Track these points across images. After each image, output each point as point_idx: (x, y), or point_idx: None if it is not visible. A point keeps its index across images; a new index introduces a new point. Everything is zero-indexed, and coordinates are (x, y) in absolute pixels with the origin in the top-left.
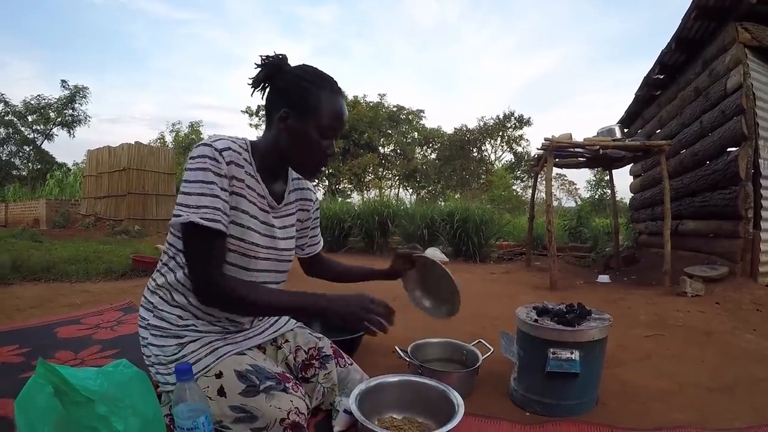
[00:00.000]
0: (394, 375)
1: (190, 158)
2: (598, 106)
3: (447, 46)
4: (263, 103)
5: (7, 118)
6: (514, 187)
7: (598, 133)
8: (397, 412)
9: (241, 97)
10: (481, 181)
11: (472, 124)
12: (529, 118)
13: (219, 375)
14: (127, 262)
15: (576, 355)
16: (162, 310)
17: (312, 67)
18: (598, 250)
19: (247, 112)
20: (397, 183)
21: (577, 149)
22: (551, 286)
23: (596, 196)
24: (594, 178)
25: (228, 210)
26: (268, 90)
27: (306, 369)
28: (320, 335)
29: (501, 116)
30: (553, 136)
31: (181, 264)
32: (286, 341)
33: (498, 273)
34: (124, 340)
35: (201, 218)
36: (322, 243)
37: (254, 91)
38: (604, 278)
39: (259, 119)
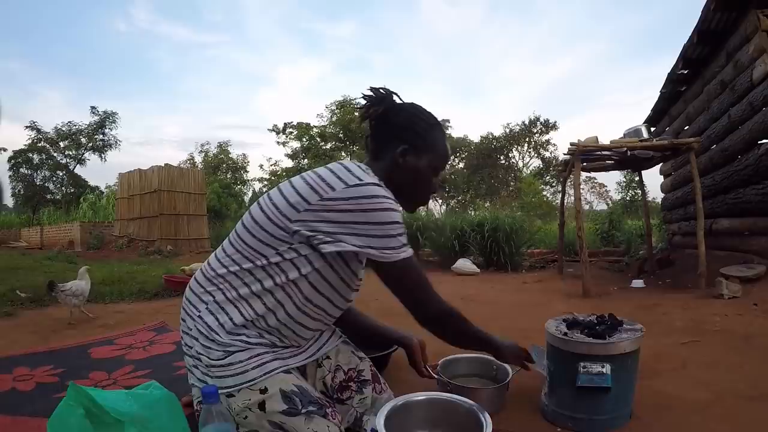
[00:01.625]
0: (421, 393)
1: (368, 197)
2: (625, 105)
3: (469, 54)
4: (368, 132)
5: (39, 144)
6: (544, 193)
7: (624, 134)
8: (425, 431)
9: (267, 116)
10: (510, 188)
11: (498, 132)
12: (555, 122)
13: (264, 390)
14: (159, 282)
15: (607, 368)
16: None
17: (422, 107)
18: (631, 254)
19: (274, 130)
20: None
21: (604, 152)
22: (584, 294)
23: (627, 198)
24: (624, 180)
25: None
26: (380, 123)
27: (342, 391)
28: (363, 355)
29: (527, 122)
30: (579, 140)
31: (282, 283)
32: (327, 358)
33: (530, 282)
34: (156, 360)
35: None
36: None
37: (363, 121)
38: (638, 283)
39: (286, 137)
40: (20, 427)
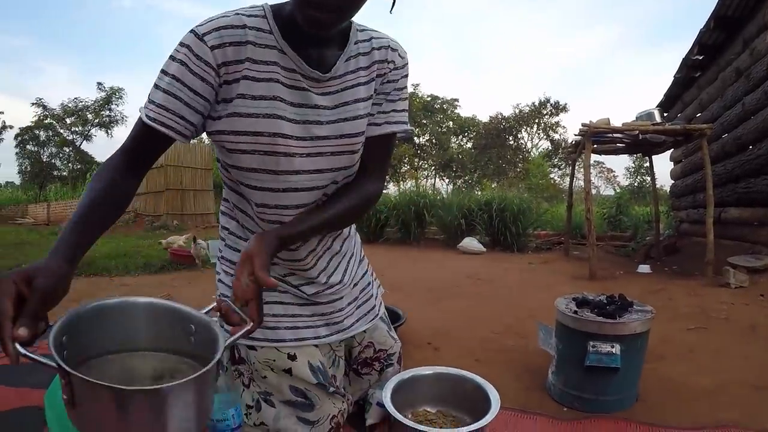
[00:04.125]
0: (428, 367)
1: None
2: (637, 90)
3: (481, 33)
4: None
5: (46, 121)
6: (552, 176)
7: (637, 117)
8: (431, 406)
9: None
10: (518, 169)
11: (508, 112)
12: (566, 104)
13: (292, 357)
14: (165, 256)
15: (617, 348)
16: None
17: None
18: (638, 239)
19: None
20: (433, 173)
21: (615, 134)
22: (590, 276)
23: (635, 184)
24: (633, 165)
25: (202, 108)
26: None
27: (364, 366)
28: (396, 337)
29: (537, 103)
30: (590, 121)
31: (228, 183)
32: (363, 332)
33: (536, 263)
34: None
35: (146, 114)
36: (398, 128)
37: None
38: (644, 268)
39: None
40: (24, 398)
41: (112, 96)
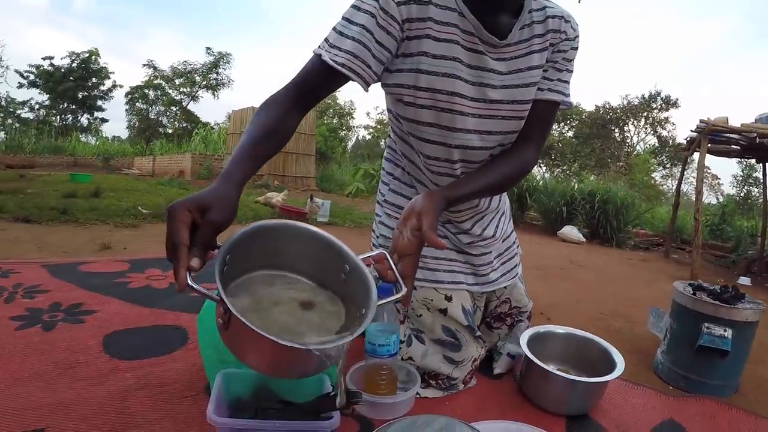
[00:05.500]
0: (560, 326)
1: None
2: (754, 91)
3: (592, 18)
4: None
5: (156, 81)
6: (654, 175)
7: (756, 119)
8: (553, 364)
9: None
10: (620, 163)
11: (615, 102)
12: (677, 99)
13: (449, 298)
14: (272, 210)
15: (729, 333)
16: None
17: None
18: (739, 252)
19: None
20: None
21: (732, 135)
22: (691, 278)
23: (741, 194)
24: (741, 174)
25: (385, 60)
26: None
27: (497, 320)
28: (529, 297)
29: (646, 95)
30: (708, 118)
31: (399, 133)
32: (504, 287)
33: (635, 260)
34: None
35: (331, 59)
36: (559, 98)
37: None
38: (744, 280)
39: None
40: (159, 318)
41: (219, 60)
